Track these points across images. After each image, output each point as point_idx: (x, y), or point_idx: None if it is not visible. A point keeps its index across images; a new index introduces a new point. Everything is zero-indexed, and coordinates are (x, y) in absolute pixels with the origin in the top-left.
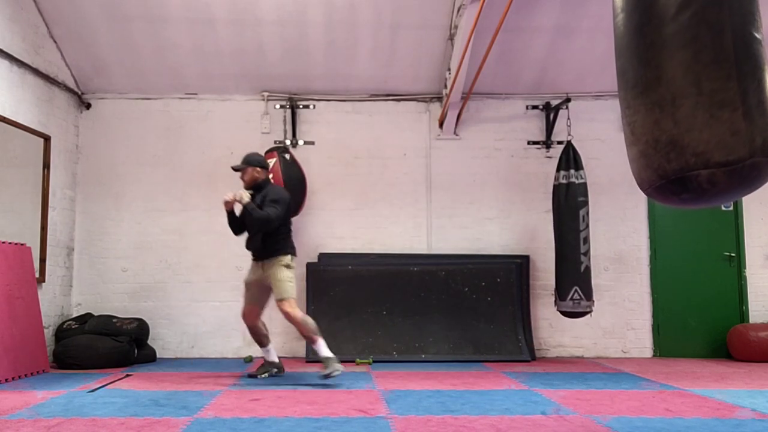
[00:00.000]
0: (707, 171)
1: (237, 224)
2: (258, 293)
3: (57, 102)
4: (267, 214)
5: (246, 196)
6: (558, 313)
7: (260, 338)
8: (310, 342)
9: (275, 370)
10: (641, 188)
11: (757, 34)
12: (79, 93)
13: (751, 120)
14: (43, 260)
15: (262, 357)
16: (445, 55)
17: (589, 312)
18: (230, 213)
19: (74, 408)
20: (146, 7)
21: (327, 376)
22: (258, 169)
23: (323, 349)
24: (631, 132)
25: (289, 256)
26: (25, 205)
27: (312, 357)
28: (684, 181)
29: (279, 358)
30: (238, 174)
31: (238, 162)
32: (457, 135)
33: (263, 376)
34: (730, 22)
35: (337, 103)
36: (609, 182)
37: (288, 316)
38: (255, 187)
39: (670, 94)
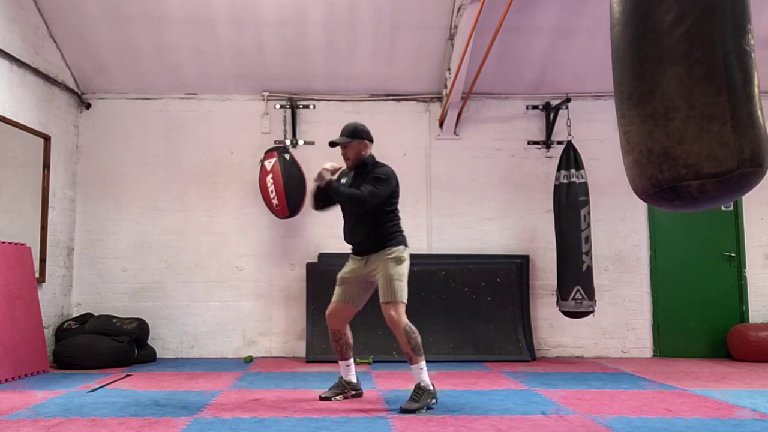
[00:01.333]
0: (698, 182)
1: (323, 199)
2: (357, 291)
3: (57, 102)
4: (360, 192)
5: (330, 170)
6: (558, 312)
7: (343, 348)
8: (409, 360)
9: (353, 392)
10: (636, 194)
11: (747, 47)
12: (79, 93)
13: (740, 133)
14: (43, 260)
15: (340, 378)
16: (445, 55)
17: (592, 312)
18: (319, 187)
19: (74, 408)
20: (146, 7)
21: (408, 411)
22: (365, 142)
23: (424, 375)
24: (627, 141)
25: (401, 247)
26: (25, 205)
27: (311, 357)
28: (676, 190)
29: (279, 358)
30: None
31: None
32: (457, 135)
33: (338, 398)
34: (721, 37)
35: (337, 103)
36: (609, 182)
37: (392, 323)
38: (358, 166)
39: (662, 108)
